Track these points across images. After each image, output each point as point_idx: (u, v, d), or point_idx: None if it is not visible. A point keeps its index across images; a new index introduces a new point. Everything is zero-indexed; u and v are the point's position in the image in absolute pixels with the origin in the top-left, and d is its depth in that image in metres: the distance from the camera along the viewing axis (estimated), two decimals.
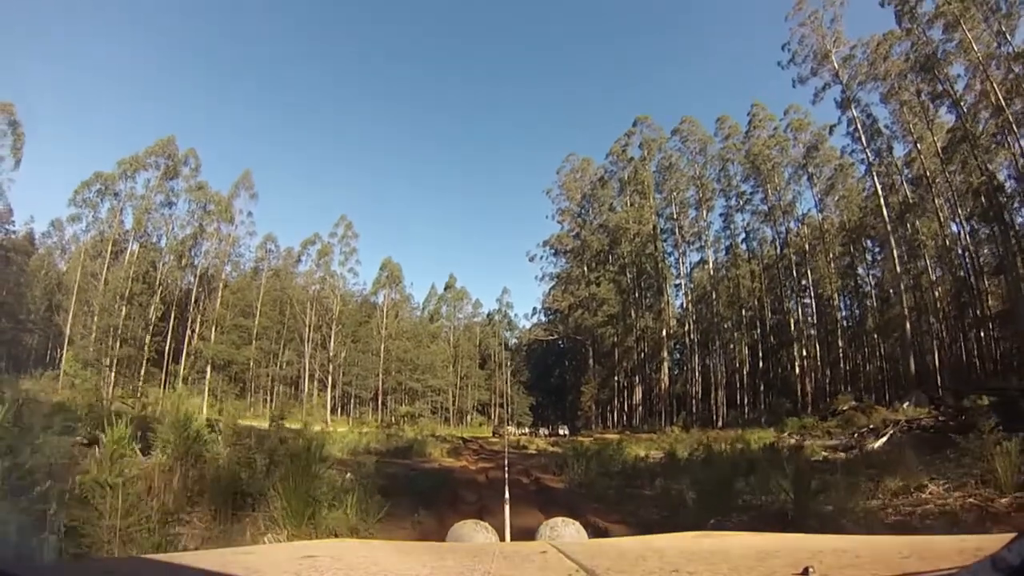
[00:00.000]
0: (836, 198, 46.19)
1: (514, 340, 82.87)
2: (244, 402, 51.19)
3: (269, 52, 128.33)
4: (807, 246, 47.80)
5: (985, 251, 36.48)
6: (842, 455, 11.88)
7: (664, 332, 54.33)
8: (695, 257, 57.36)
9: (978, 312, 35.71)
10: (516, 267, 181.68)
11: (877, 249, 46.03)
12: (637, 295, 58.03)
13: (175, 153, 51.35)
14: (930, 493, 5.85)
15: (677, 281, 57.68)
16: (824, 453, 12.54)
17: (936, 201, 36.44)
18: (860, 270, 47.23)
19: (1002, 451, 5.58)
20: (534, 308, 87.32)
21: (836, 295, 47.61)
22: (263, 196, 69.30)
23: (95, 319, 45.72)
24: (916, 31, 33.90)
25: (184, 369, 51.35)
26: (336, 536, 4.17)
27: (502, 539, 2.32)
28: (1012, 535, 0.66)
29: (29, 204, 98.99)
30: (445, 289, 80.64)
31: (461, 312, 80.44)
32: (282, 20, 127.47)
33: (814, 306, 48.59)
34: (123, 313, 46.40)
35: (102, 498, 3.47)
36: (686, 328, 54.98)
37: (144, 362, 48.04)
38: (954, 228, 37.31)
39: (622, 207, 58.68)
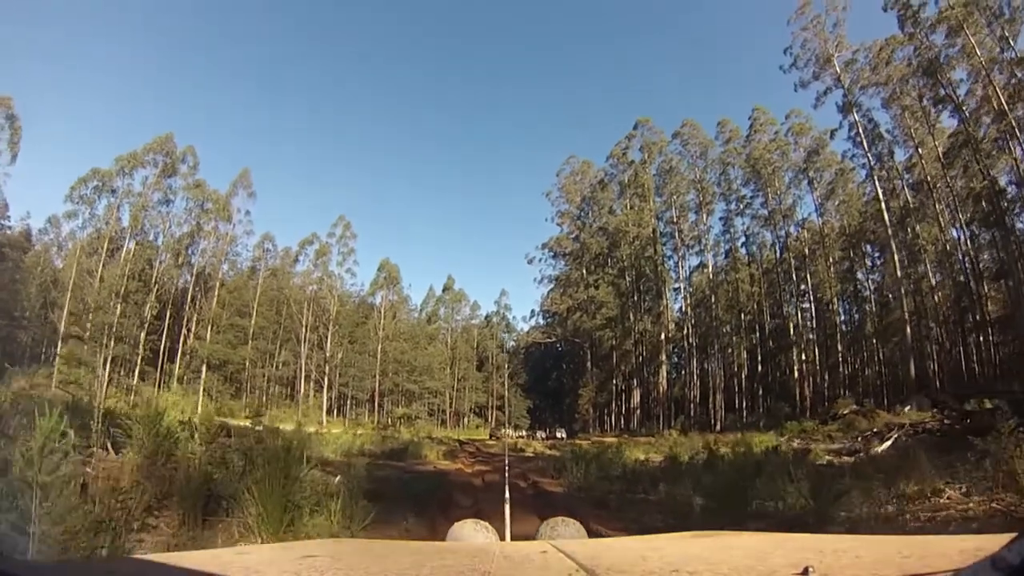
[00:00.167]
0: (836, 203, 46.04)
1: (512, 343, 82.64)
2: (240, 402, 50.79)
3: (269, 51, 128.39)
4: (807, 250, 47.64)
5: (985, 256, 36.40)
6: (847, 459, 11.62)
7: (663, 335, 54.10)
8: (694, 261, 57.28)
9: (978, 317, 35.58)
10: (514, 268, 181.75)
11: (877, 254, 45.96)
12: (636, 298, 57.80)
13: (173, 151, 51.02)
14: (948, 498, 5.58)
15: (676, 285, 57.58)
16: (828, 457, 12.29)
17: (937, 206, 36.36)
18: (860, 275, 47.15)
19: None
20: (532, 311, 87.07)
21: (835, 299, 47.46)
22: (261, 195, 69.43)
23: (90, 317, 45.34)
24: (919, 36, 33.80)
25: (179, 368, 51.07)
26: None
27: (502, 539, 2.31)
28: (1012, 535, 0.67)
29: (26, 200, 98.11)
30: (443, 291, 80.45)
31: (459, 314, 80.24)
32: (281, 19, 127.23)
33: (813, 310, 48.42)
34: (118, 311, 46.00)
35: (30, 500, 3.14)
36: (685, 332, 54.78)
37: (139, 361, 47.71)
38: (954, 233, 37.23)
39: (622, 210, 58.49)
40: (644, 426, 47.39)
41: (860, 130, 38.34)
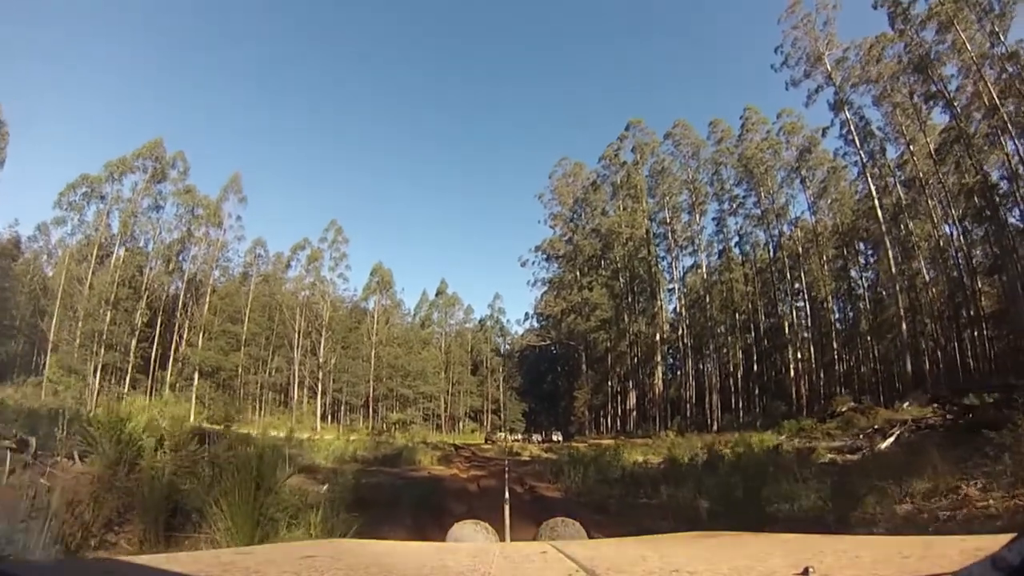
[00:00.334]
0: (829, 201, 46.07)
1: (506, 346, 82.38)
2: (233, 409, 50.17)
3: (263, 52, 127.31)
4: (800, 249, 47.58)
5: (978, 251, 36.44)
6: (851, 457, 11.39)
7: (657, 336, 53.90)
8: (688, 261, 57.16)
9: (972, 312, 35.60)
10: (510, 271, 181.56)
11: (870, 252, 45.96)
12: (630, 300, 57.60)
13: (163, 156, 50.61)
14: (966, 495, 5.33)
15: (670, 285, 57.39)
16: (831, 455, 12.06)
17: (929, 202, 36.37)
18: (853, 272, 47.10)
19: None
20: (526, 314, 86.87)
21: (830, 297, 47.39)
22: (256, 197, 68.72)
23: (79, 324, 44.76)
24: (909, 33, 33.84)
25: (171, 376, 50.45)
26: None
27: (502, 540, 2.30)
28: (1012, 535, 0.67)
29: (14, 207, 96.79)
30: (436, 295, 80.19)
31: (452, 318, 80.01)
32: (277, 19, 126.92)
33: (808, 309, 48.32)
34: (108, 318, 45.46)
35: None
36: (680, 332, 54.62)
37: (130, 368, 47.13)
38: (947, 229, 37.27)
39: (615, 211, 58.35)
40: (640, 427, 47.20)
41: (852, 128, 38.37)
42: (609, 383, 59.01)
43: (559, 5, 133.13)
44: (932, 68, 32.90)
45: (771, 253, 50.38)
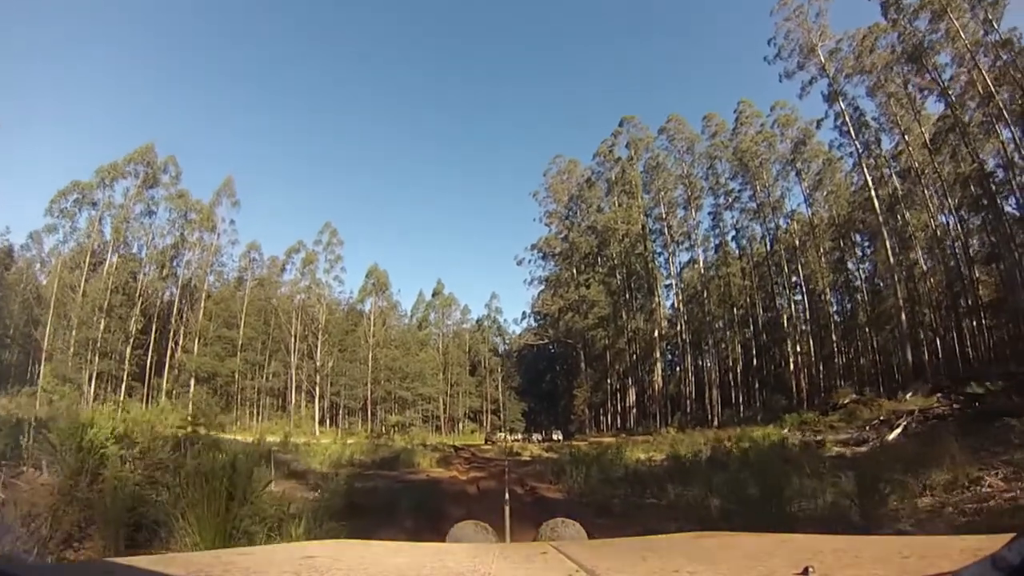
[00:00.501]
0: (825, 193, 45.94)
1: (504, 346, 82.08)
2: (230, 415, 49.82)
3: (259, 52, 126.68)
4: (797, 242, 47.47)
5: (975, 240, 36.36)
6: (858, 449, 11.16)
7: (656, 333, 53.72)
8: (685, 256, 56.94)
9: (970, 301, 35.53)
10: (505, 271, 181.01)
11: (867, 243, 45.83)
12: (628, 296, 57.44)
13: (154, 161, 50.20)
14: (990, 487, 5.09)
15: (668, 281, 57.25)
16: (838, 448, 11.82)
17: (925, 192, 36.27)
18: (850, 264, 47.01)
19: None
20: (524, 313, 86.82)
21: (827, 290, 47.30)
22: (249, 200, 68.39)
23: (73, 332, 44.34)
24: (902, 22, 33.68)
25: (167, 383, 50.03)
26: None
27: (502, 540, 2.30)
28: (1011, 535, 0.67)
29: (4, 216, 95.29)
30: (433, 295, 79.84)
31: (450, 319, 79.59)
32: (278, 19, 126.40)
33: (806, 302, 48.20)
34: (102, 326, 45.05)
35: None
36: (678, 328, 54.46)
37: (125, 376, 46.71)
38: (944, 219, 37.19)
39: (610, 208, 58.18)
40: (641, 424, 47.11)
41: (846, 119, 38.19)
42: (608, 381, 58.82)
43: (558, 5, 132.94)
44: (926, 57, 32.77)
45: (768, 247, 50.24)
